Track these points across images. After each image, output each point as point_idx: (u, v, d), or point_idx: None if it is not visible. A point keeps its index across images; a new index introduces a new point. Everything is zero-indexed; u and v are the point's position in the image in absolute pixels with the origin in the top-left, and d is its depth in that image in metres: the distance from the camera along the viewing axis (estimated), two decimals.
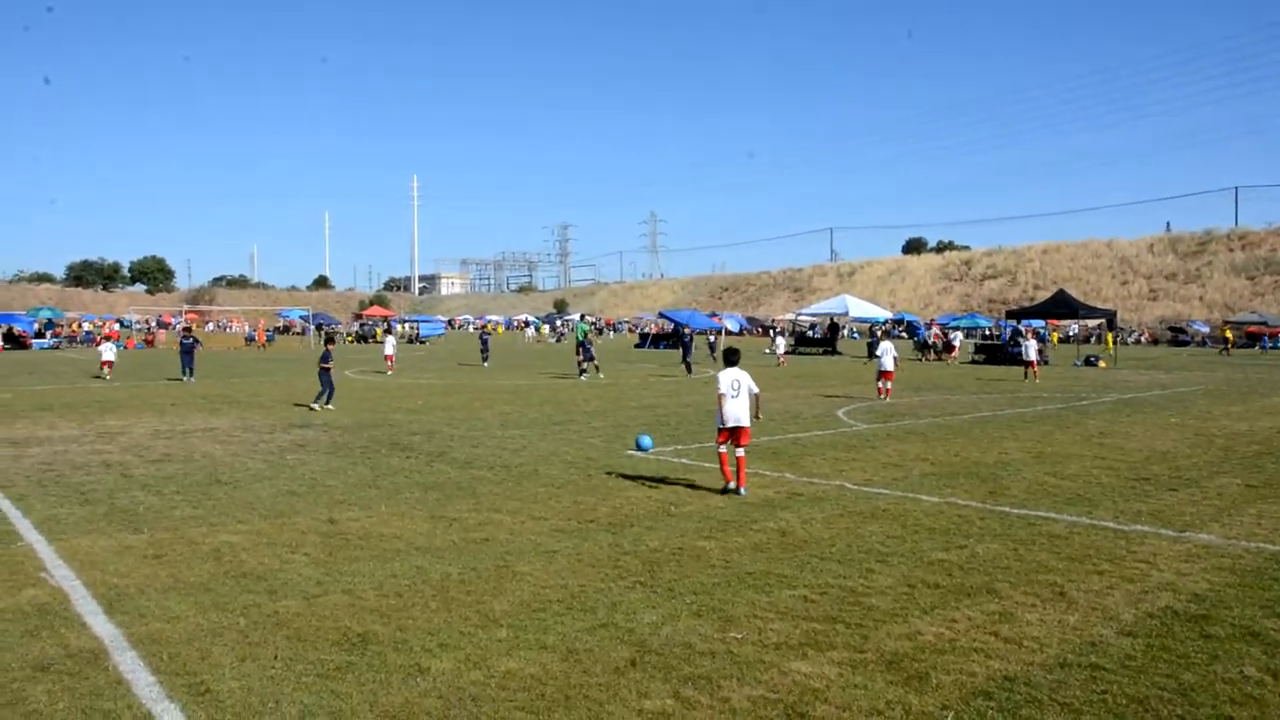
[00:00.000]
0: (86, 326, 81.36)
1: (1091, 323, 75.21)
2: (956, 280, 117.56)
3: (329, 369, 22.30)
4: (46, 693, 5.42)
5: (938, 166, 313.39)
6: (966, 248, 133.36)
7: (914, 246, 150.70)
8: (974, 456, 14.66)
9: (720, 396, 11.63)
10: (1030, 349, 33.60)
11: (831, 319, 65.04)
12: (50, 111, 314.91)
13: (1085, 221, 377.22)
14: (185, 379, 31.49)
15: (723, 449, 11.80)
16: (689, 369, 35.73)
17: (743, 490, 11.38)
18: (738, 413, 11.59)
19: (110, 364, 34.72)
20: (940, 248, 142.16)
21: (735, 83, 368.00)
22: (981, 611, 6.89)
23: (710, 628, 6.54)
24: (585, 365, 33.46)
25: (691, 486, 12.00)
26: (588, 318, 52.16)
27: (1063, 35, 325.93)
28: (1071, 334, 79.44)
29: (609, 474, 12.94)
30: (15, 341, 61.40)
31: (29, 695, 5.38)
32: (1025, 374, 33.04)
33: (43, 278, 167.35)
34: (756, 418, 12.00)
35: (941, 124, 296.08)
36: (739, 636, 6.35)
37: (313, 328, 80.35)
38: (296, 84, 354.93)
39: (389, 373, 36.12)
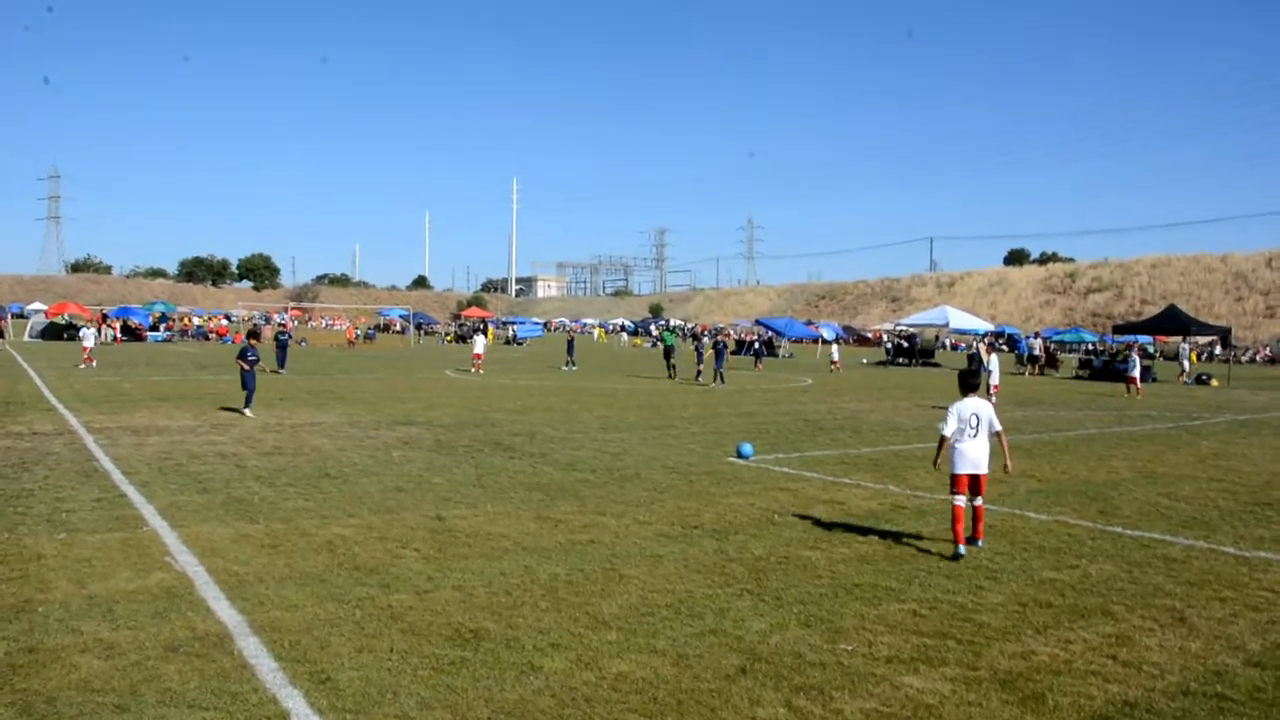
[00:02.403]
0: (196, 321, 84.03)
1: (1203, 340, 72.80)
2: (1060, 293, 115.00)
3: (251, 368, 20.18)
4: (179, 672, 5.63)
5: (1042, 176, 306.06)
6: (1071, 260, 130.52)
7: (1016, 258, 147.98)
8: (1082, 474, 14.33)
9: (945, 439, 9.22)
10: (1135, 365, 33.83)
11: (913, 331, 63.97)
12: (170, 112, 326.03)
13: (1197, 234, 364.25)
14: (279, 371, 33.31)
15: (959, 500, 9.10)
16: (722, 378, 33.27)
17: (980, 543, 9.27)
18: (978, 455, 9.11)
19: (88, 351, 35.62)
20: (1044, 259, 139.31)
21: (837, 86, 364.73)
22: (1097, 634, 6.74)
23: (819, 638, 6.51)
24: (720, 369, 33.37)
25: (794, 495, 11.94)
26: (674, 323, 52.31)
27: (1170, 36, 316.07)
28: (1215, 351, 76.01)
29: (711, 480, 12.94)
30: (132, 334, 63.71)
31: (163, 673, 5.60)
32: (1127, 390, 32.87)
33: (157, 273, 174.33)
34: (1005, 469, 9.58)
35: (1046, 131, 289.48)
36: (849, 648, 6.31)
37: (413, 326, 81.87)
38: (400, 86, 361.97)
39: (475, 371, 36.81)
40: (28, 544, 8.57)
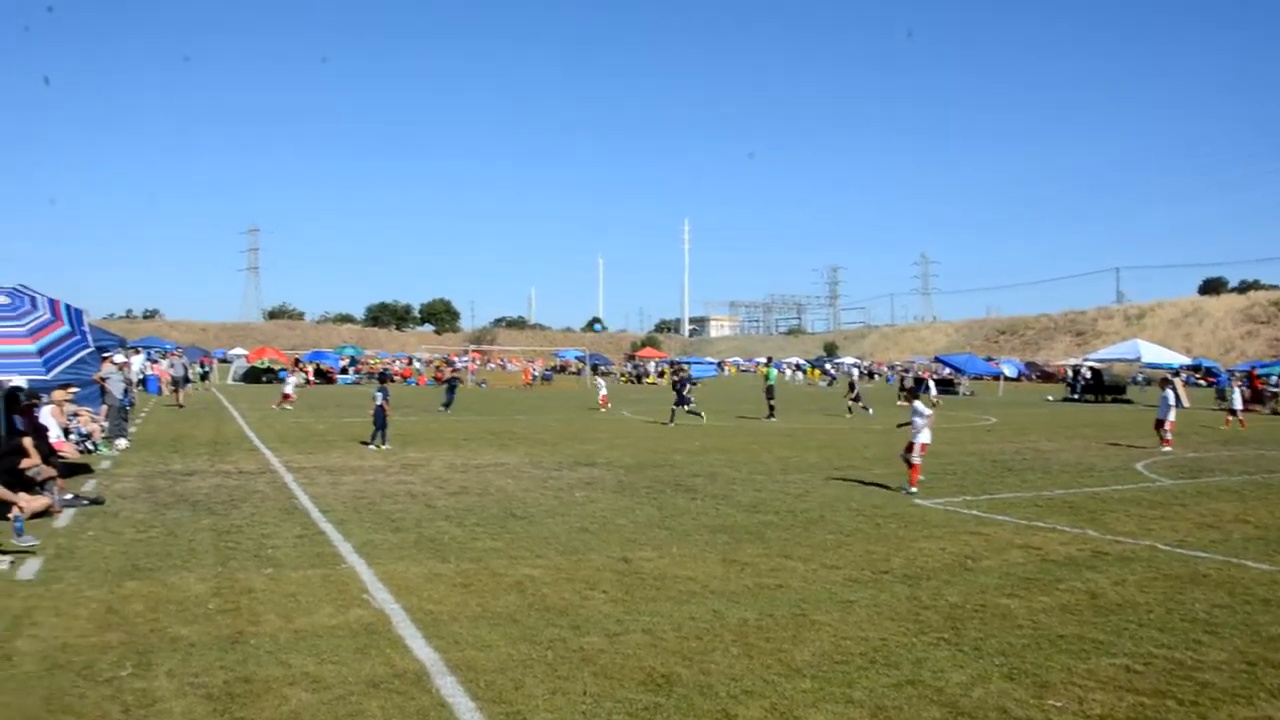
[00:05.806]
0: (383, 364, 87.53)
1: None
2: (1263, 323, 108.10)
3: (384, 408, 22.02)
4: (380, 708, 5.78)
5: (1239, 198, 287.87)
6: (1275, 287, 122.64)
7: (1212, 286, 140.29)
8: None
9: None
10: (1237, 398, 33.85)
11: (1090, 367, 60.95)
12: (354, 166, 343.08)
13: None
14: (445, 411, 34.55)
15: None
16: (672, 415, 30.88)
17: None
18: None
19: (288, 397, 37.00)
20: (1244, 287, 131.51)
21: (1008, 115, 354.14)
22: None
23: (1025, 692, 6.20)
24: (678, 409, 31.01)
25: (986, 540, 11.49)
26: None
27: None
28: None
29: (898, 523, 12.60)
30: (324, 377, 66.78)
31: (366, 709, 5.76)
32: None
33: (345, 318, 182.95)
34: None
35: (1241, 152, 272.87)
36: (1058, 705, 5.98)
37: (589, 368, 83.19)
38: (568, 129, 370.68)
39: (602, 410, 37.49)
40: (239, 578, 9.03)
